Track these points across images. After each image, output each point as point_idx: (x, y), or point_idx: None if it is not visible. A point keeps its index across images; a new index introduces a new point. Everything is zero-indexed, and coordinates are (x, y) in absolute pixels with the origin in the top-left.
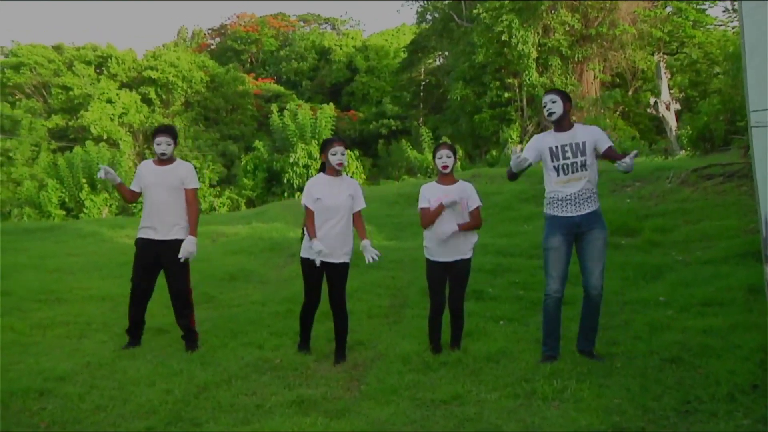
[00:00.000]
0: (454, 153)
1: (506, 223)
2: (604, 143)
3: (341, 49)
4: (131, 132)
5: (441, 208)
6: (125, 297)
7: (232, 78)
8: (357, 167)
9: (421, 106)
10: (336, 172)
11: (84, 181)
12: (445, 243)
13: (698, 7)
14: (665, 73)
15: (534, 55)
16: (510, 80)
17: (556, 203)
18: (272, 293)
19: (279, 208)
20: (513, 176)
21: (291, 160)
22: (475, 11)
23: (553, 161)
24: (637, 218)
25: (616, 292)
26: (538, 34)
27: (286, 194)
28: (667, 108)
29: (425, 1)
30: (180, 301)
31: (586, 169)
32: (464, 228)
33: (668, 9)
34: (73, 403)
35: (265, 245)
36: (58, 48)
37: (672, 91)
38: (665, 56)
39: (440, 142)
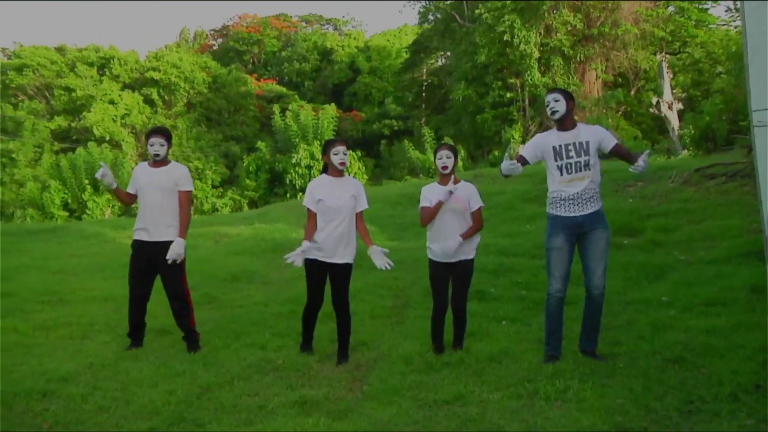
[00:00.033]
0: (455, 154)
1: (509, 223)
2: (610, 141)
3: (343, 49)
4: (134, 133)
5: (440, 204)
6: (128, 298)
7: (235, 79)
8: (359, 168)
9: (424, 106)
10: (338, 173)
11: (86, 182)
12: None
13: (700, 6)
14: (667, 72)
15: (536, 55)
16: (512, 80)
17: (559, 203)
18: (275, 294)
19: (281, 208)
20: (506, 175)
21: (293, 160)
22: (477, 11)
23: (556, 160)
24: (640, 218)
25: (618, 292)
26: (540, 34)
27: (288, 195)
28: (670, 108)
29: (427, 2)
30: (177, 302)
31: (590, 169)
32: (467, 235)
33: (670, 8)
34: (76, 404)
35: (268, 246)
36: (60, 49)
37: (674, 91)
38: (667, 56)
39: (441, 142)
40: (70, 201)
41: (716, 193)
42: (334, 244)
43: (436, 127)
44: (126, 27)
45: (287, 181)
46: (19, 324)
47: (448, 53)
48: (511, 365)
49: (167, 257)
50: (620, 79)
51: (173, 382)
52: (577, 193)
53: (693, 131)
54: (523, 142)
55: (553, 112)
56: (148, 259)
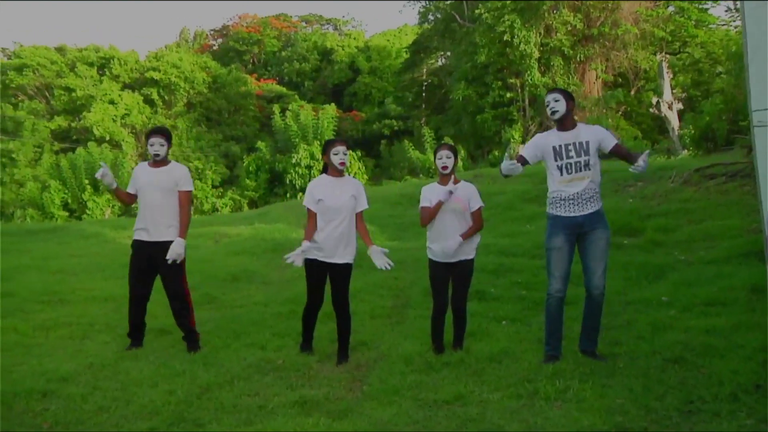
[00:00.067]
0: (455, 154)
1: (509, 223)
2: (610, 141)
3: (343, 49)
4: (134, 133)
5: (440, 204)
6: (128, 298)
7: (235, 79)
8: (359, 168)
9: (424, 106)
10: (338, 173)
11: (87, 182)
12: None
13: (700, 6)
14: (667, 72)
15: (536, 55)
16: (512, 80)
17: (559, 203)
18: (275, 294)
19: (281, 208)
20: (506, 175)
21: (293, 160)
22: (477, 11)
23: (556, 160)
24: (640, 218)
25: (618, 292)
26: (540, 34)
27: (288, 195)
28: (670, 108)
29: (427, 2)
30: (177, 302)
31: (590, 169)
32: (467, 235)
33: (670, 8)
34: (76, 404)
35: (268, 246)
36: (60, 49)
37: (674, 91)
38: (667, 56)
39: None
40: (70, 201)
41: (716, 193)
42: (334, 244)
43: (436, 127)
44: (126, 27)
45: (287, 181)
46: (19, 324)
47: (448, 53)
48: (511, 365)
49: (167, 257)
50: (620, 79)
51: (173, 382)
52: (577, 193)
53: (693, 131)
54: (523, 142)
55: (553, 112)
56: (148, 259)
